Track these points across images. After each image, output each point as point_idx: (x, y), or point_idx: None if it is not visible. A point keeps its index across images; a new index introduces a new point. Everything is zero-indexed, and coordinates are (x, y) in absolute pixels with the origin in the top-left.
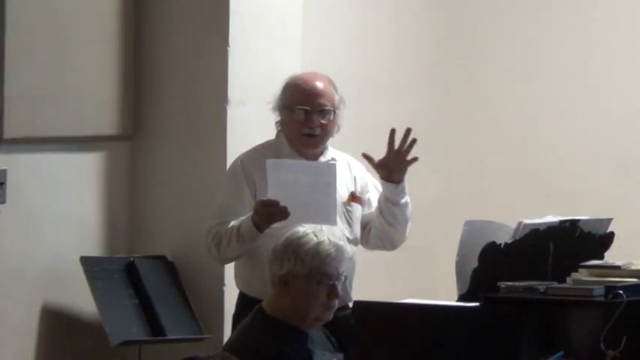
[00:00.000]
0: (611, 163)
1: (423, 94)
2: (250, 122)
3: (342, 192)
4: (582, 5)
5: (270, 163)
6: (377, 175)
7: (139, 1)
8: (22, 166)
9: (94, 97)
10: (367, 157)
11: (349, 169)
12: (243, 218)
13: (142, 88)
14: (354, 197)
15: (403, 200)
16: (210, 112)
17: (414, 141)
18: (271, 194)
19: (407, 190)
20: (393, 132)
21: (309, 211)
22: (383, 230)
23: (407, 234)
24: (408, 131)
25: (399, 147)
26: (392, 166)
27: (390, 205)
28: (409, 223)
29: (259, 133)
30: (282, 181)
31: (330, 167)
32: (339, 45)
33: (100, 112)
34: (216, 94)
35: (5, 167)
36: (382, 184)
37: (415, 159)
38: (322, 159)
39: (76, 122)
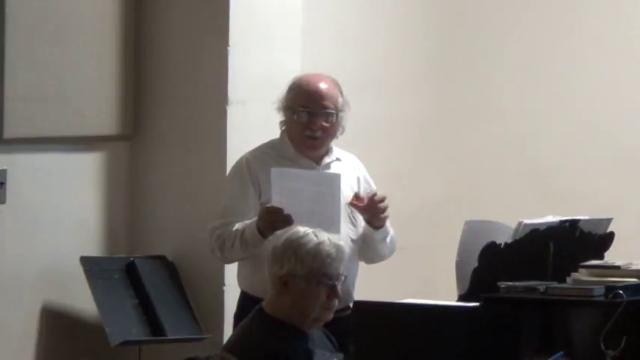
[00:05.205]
0: (611, 163)
1: (423, 93)
2: (250, 122)
3: (347, 192)
4: (583, 4)
5: (274, 171)
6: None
7: (139, 1)
8: (22, 166)
9: (94, 97)
10: (354, 205)
11: (354, 170)
12: (247, 223)
13: (142, 88)
14: (358, 198)
15: (387, 239)
16: (210, 112)
17: (382, 199)
18: (275, 201)
19: (390, 230)
20: (355, 196)
21: (313, 220)
22: (365, 251)
23: (389, 256)
24: (373, 195)
25: (367, 204)
26: (368, 218)
27: (373, 239)
28: (393, 248)
29: (259, 133)
30: (287, 188)
31: (335, 178)
32: (338, 44)
33: (100, 112)
34: (216, 94)
35: (5, 167)
36: (365, 226)
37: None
38: (327, 159)
39: (76, 122)
